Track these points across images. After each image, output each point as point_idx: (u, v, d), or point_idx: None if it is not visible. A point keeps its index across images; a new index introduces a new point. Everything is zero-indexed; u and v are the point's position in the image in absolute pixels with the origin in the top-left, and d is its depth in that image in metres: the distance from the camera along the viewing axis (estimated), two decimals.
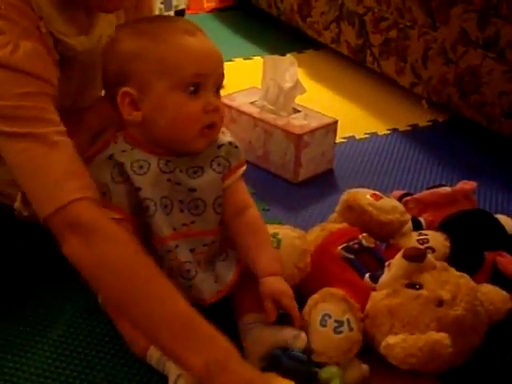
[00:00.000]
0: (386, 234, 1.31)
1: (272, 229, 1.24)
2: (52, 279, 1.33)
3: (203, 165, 1.14)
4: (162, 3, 2.88)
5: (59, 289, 1.32)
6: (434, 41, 2.05)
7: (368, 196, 1.32)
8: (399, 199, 1.47)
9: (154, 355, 1.11)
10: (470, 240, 1.32)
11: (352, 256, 1.21)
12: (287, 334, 1.11)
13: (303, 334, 1.11)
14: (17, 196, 1.24)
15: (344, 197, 1.35)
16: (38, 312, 1.26)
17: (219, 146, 1.15)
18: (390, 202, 1.34)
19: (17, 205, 1.25)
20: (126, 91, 1.09)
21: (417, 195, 1.50)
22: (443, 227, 1.35)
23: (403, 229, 1.32)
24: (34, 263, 1.32)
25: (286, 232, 1.23)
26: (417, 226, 1.37)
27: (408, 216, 1.35)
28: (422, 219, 1.41)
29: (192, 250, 1.15)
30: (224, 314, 1.17)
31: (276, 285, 1.13)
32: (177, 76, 1.07)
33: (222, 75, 1.14)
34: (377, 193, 1.35)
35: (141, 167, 1.10)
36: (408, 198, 1.49)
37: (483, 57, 1.89)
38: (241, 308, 1.19)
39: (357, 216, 1.30)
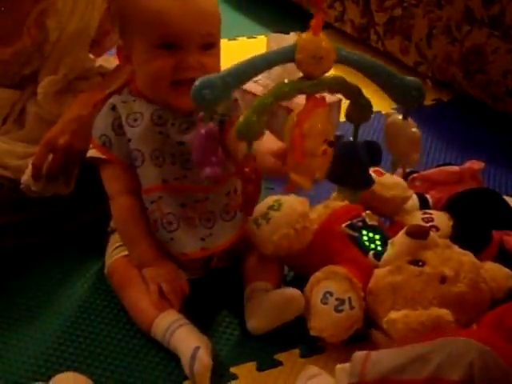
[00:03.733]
0: (388, 211, 1.31)
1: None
2: (55, 255, 1.34)
3: (196, 120, 1.12)
4: None
5: (67, 264, 1.34)
6: (438, 19, 2.04)
7: (370, 172, 1.32)
8: (405, 176, 1.47)
9: (158, 329, 1.11)
10: (477, 218, 1.32)
11: (356, 234, 1.21)
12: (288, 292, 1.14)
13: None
14: (25, 169, 1.25)
15: None
16: (44, 288, 1.28)
17: None
18: (392, 178, 1.35)
19: (25, 179, 1.25)
20: (119, 45, 1.18)
21: (424, 172, 1.51)
22: (450, 205, 1.35)
23: (407, 206, 1.32)
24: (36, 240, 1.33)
25: (288, 198, 1.23)
26: (423, 203, 1.38)
27: (411, 192, 1.35)
28: (428, 196, 1.41)
29: (183, 205, 1.17)
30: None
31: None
32: (149, 34, 1.12)
33: (208, 35, 1.14)
34: (379, 169, 1.35)
35: (135, 120, 1.15)
36: (415, 174, 1.49)
37: (488, 35, 1.88)
38: (245, 279, 1.22)
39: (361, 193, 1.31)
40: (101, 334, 1.18)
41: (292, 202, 1.20)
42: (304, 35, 0.96)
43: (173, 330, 1.09)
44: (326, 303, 1.12)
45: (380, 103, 2.04)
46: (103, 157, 1.17)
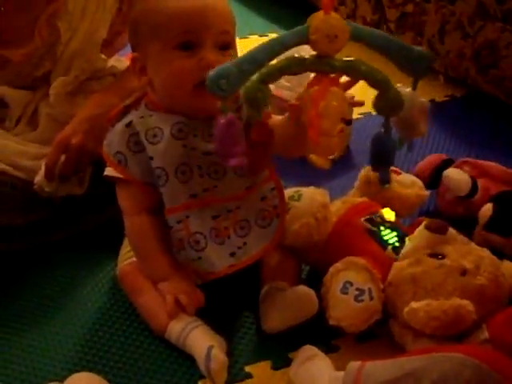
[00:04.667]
0: (405, 209, 1.31)
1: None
2: (69, 255, 1.35)
3: None
4: None
5: (81, 264, 1.34)
6: (451, 15, 2.02)
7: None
8: (445, 163, 1.49)
9: (172, 333, 1.11)
10: None
11: (375, 228, 1.21)
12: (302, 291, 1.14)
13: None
14: (38, 170, 1.26)
15: (363, 172, 1.36)
16: (58, 289, 1.28)
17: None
18: (409, 176, 1.36)
19: (39, 179, 1.26)
20: (134, 57, 1.13)
21: (477, 160, 1.51)
22: (499, 198, 1.36)
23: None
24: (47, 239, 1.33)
25: (308, 189, 1.23)
26: (474, 188, 1.40)
27: (427, 192, 1.35)
28: (479, 182, 1.42)
29: (215, 217, 1.13)
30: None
31: None
32: (166, 36, 1.08)
33: (225, 32, 1.11)
34: (396, 169, 1.35)
35: (155, 136, 1.10)
36: (466, 159, 1.50)
37: (502, 30, 1.86)
38: (263, 278, 1.21)
39: (376, 191, 1.31)
40: (115, 333, 1.18)
41: (312, 193, 1.20)
42: (316, 15, 0.94)
43: (187, 333, 1.09)
44: (345, 293, 1.11)
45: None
46: (119, 176, 1.13)
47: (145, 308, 1.16)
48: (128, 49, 1.54)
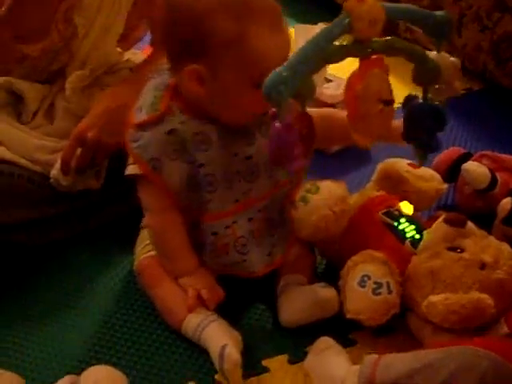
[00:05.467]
0: (423, 203, 1.31)
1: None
2: (86, 248, 1.36)
3: (254, 130, 1.13)
4: None
5: (99, 258, 1.35)
6: (468, 7, 2.00)
7: (405, 164, 1.32)
8: (463, 156, 1.48)
9: (189, 327, 1.11)
10: None
11: (393, 221, 1.20)
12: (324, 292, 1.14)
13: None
14: (55, 164, 1.26)
15: (381, 165, 1.35)
16: (76, 282, 1.29)
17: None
18: (427, 170, 1.35)
19: (55, 173, 1.26)
20: (196, 69, 1.05)
21: (496, 153, 1.50)
22: None
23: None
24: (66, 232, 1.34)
25: (326, 182, 1.21)
26: (493, 181, 1.39)
27: (445, 185, 1.34)
28: (498, 176, 1.41)
29: (250, 219, 1.15)
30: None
31: None
32: (251, 73, 1.04)
33: None
34: (412, 163, 1.34)
35: (202, 142, 1.09)
36: (485, 152, 1.49)
37: None
38: (279, 271, 1.21)
39: (394, 184, 1.30)
40: (132, 327, 1.18)
41: (330, 185, 1.19)
42: (352, 3, 0.94)
43: (203, 327, 1.10)
44: (363, 286, 1.11)
45: (410, 93, 2.04)
46: (149, 179, 1.11)
47: (162, 301, 1.16)
48: (144, 42, 1.55)
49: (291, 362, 1.11)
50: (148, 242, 1.22)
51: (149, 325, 1.18)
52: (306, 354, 1.10)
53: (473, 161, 1.44)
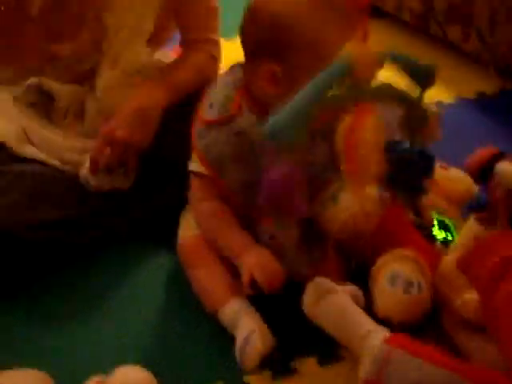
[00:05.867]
0: (454, 204, 1.29)
1: None
2: (118, 247, 1.36)
3: (315, 136, 1.11)
4: None
5: (130, 256, 1.35)
6: (501, 4, 1.97)
7: (436, 167, 1.30)
8: (497, 156, 1.46)
9: (227, 311, 1.12)
10: None
11: (424, 223, 1.19)
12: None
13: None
14: (84, 163, 1.26)
15: None
16: (107, 280, 1.29)
17: None
18: (458, 172, 1.35)
19: (84, 172, 1.26)
20: (274, 69, 1.05)
21: None
22: None
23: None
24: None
25: None
26: None
27: (476, 187, 1.33)
28: None
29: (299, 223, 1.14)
30: None
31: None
32: None
33: None
34: (443, 164, 1.33)
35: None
36: None
37: None
38: None
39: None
40: (159, 327, 1.19)
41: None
42: (352, 47, 0.92)
43: (241, 315, 1.10)
44: (394, 284, 1.10)
45: (442, 93, 2.02)
46: (209, 177, 1.13)
47: (203, 283, 1.16)
48: (174, 42, 1.55)
49: (321, 364, 1.11)
50: (192, 223, 1.21)
51: (177, 325, 1.18)
52: (336, 356, 1.11)
53: (506, 161, 1.42)
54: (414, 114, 1.01)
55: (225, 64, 1.91)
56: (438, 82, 2.07)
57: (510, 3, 1.94)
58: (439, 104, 1.94)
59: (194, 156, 1.15)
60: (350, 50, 0.91)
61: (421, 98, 1.01)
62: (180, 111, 1.31)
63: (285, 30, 1.04)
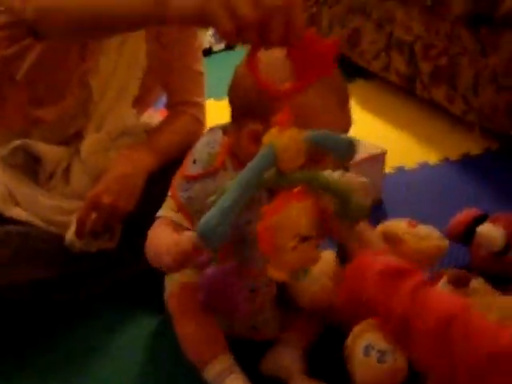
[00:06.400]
0: (425, 261, 1.30)
1: None
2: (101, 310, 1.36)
3: None
4: (211, 36, 2.93)
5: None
6: (484, 68, 2.01)
7: (403, 224, 1.33)
8: (479, 218, 1.46)
9: (211, 372, 1.11)
10: None
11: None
12: None
13: None
14: (70, 226, 1.26)
15: (380, 228, 1.35)
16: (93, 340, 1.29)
17: None
18: (425, 228, 1.35)
19: (69, 236, 1.27)
20: (257, 129, 1.06)
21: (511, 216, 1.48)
22: None
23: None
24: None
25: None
26: (509, 244, 1.39)
27: (446, 242, 1.34)
28: None
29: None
30: None
31: None
32: None
33: None
34: (412, 221, 1.35)
35: (252, 199, 1.07)
36: (500, 214, 1.47)
37: None
38: None
39: (394, 246, 1.30)
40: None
41: (326, 255, 1.19)
42: (274, 134, 0.88)
43: (224, 377, 1.09)
44: (368, 355, 1.10)
45: (427, 153, 2.04)
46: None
47: (189, 339, 1.15)
48: (160, 104, 1.58)
49: None
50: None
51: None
52: None
53: (489, 223, 1.43)
54: (346, 207, 0.97)
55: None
56: (424, 142, 2.10)
57: (493, 66, 1.98)
58: (425, 165, 1.97)
59: (168, 203, 1.14)
60: (274, 138, 0.88)
61: (351, 189, 0.98)
62: (165, 174, 1.32)
63: (267, 94, 1.06)
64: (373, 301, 0.92)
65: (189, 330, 1.15)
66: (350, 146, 0.94)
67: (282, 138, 0.87)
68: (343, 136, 0.95)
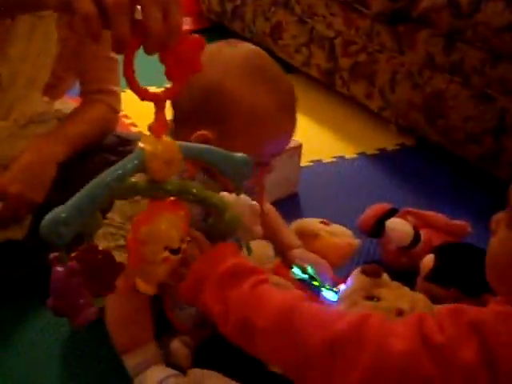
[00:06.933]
0: (338, 258, 1.32)
1: None
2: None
3: None
4: None
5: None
6: (401, 65, 2.05)
7: (317, 222, 1.36)
8: (389, 212, 1.49)
9: (132, 360, 1.10)
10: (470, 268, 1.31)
11: (306, 276, 1.21)
12: None
13: None
14: None
15: (295, 224, 1.37)
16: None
17: None
18: (339, 227, 1.38)
19: None
20: (205, 134, 1.06)
21: (420, 211, 1.51)
22: (440, 249, 1.37)
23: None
24: None
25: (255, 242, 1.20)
26: (416, 238, 1.41)
27: (358, 241, 1.38)
28: (421, 233, 1.43)
29: None
30: None
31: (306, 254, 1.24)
32: (256, 148, 1.08)
33: None
34: (325, 220, 1.38)
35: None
36: (410, 209, 1.51)
37: (449, 81, 1.90)
38: None
39: (309, 242, 1.31)
40: None
41: (257, 246, 1.20)
42: (148, 140, 0.83)
43: (144, 368, 1.08)
44: None
45: (344, 148, 2.08)
46: None
47: (114, 321, 1.13)
48: (75, 91, 1.54)
49: None
50: None
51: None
52: None
53: (397, 217, 1.46)
54: (219, 220, 0.95)
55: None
56: (341, 137, 2.12)
57: (409, 63, 2.02)
58: (342, 159, 2.00)
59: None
60: (148, 144, 0.84)
61: (226, 205, 0.95)
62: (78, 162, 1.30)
63: (215, 97, 1.07)
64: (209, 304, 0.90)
65: (116, 312, 1.12)
66: (240, 166, 0.93)
67: (156, 145, 0.83)
68: (237, 154, 0.92)
